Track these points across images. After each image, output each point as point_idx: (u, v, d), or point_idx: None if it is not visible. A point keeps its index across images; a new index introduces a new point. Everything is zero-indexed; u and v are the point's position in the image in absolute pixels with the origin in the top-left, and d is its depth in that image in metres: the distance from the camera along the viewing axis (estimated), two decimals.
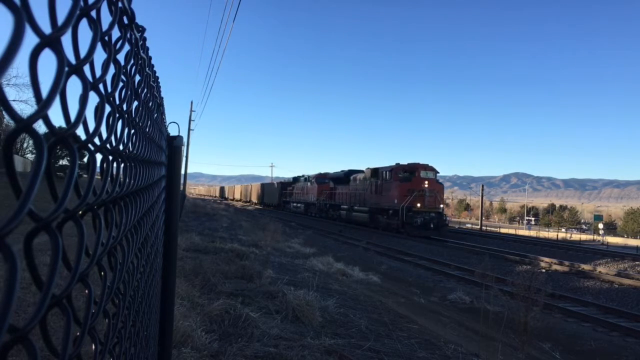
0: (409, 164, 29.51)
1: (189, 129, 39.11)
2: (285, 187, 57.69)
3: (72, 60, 0.64)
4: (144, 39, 1.51)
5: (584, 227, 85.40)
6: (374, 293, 10.14)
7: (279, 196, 58.49)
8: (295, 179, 53.90)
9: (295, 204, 51.28)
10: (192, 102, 40.73)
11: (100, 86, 0.82)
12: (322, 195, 42.07)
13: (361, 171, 36.77)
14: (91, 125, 0.76)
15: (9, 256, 0.43)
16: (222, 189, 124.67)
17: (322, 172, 45.32)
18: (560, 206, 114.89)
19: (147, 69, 1.62)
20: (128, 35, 1.06)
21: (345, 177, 39.18)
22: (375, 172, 32.23)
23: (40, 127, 0.69)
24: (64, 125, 0.65)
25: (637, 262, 18.15)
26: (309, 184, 46.66)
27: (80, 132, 0.68)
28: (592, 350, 7.94)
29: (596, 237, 49.28)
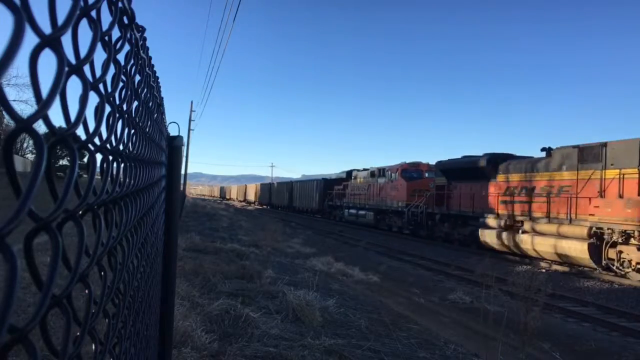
0: None
1: (189, 129, 39.10)
2: (331, 185, 40.34)
3: (72, 60, 0.64)
4: (144, 39, 1.51)
5: None
6: (374, 293, 10.15)
7: (319, 198, 41.84)
8: (350, 174, 36.74)
9: (352, 211, 33.78)
10: (192, 102, 40.70)
11: (100, 86, 0.82)
12: (417, 197, 25.60)
13: (511, 155, 20.07)
14: (91, 125, 0.76)
15: (9, 256, 0.43)
16: (222, 189, 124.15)
17: (410, 161, 29.43)
18: None
19: (147, 69, 1.62)
20: (128, 35, 1.06)
21: (489, 165, 19.73)
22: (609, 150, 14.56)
23: (40, 127, 0.69)
24: (64, 125, 0.65)
25: None
26: (383, 180, 30.00)
27: (80, 132, 0.68)
28: (592, 350, 7.94)
29: None
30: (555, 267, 16.31)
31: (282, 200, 54.51)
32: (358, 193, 33.47)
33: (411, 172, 28.47)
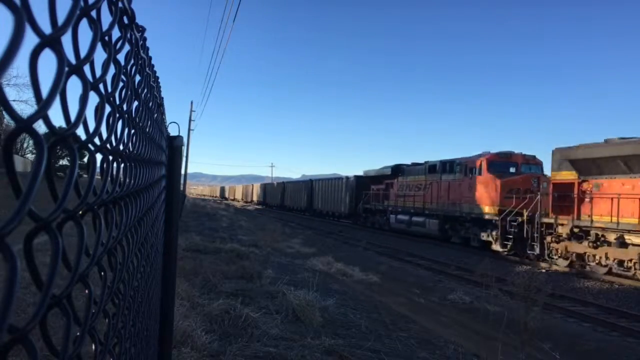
0: None
1: (189, 129, 39.11)
2: (366, 184, 32.32)
3: (72, 60, 0.64)
4: (144, 39, 1.51)
5: None
6: (374, 293, 10.15)
7: (350, 200, 34.01)
8: (397, 170, 28.85)
9: (402, 217, 26.46)
10: (192, 102, 40.69)
11: (100, 86, 0.82)
12: (515, 200, 18.03)
13: None
14: (91, 125, 0.76)
15: (9, 256, 0.43)
16: (222, 189, 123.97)
17: (496, 150, 20.86)
18: None
19: (147, 69, 1.62)
20: (128, 35, 1.06)
21: None
22: None
23: (40, 127, 0.69)
24: (64, 125, 0.65)
25: None
26: (452, 176, 22.48)
27: (80, 132, 0.68)
28: (592, 350, 7.94)
29: None
30: (555, 267, 16.30)
31: (298, 201, 47.02)
32: (411, 194, 26.01)
33: (502, 164, 20.31)
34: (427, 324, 7.66)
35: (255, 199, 72.58)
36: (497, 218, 18.60)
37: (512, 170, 20.35)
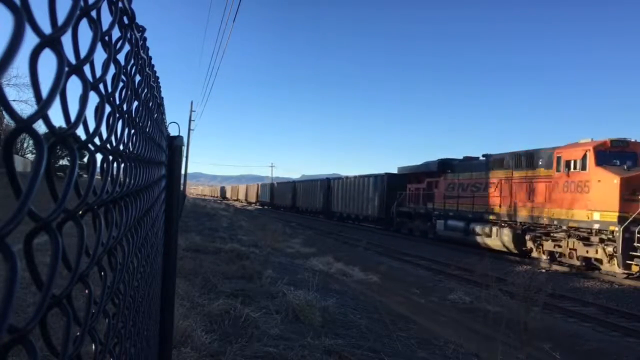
0: None
1: (189, 129, 39.08)
2: (401, 182, 27.24)
3: (72, 60, 0.64)
4: (144, 39, 1.51)
5: None
6: (374, 293, 10.15)
7: (381, 201, 28.92)
8: (446, 165, 23.63)
9: (454, 223, 21.47)
10: (192, 102, 40.65)
11: (100, 86, 0.82)
12: None
13: None
14: (91, 125, 0.76)
15: (9, 256, 0.43)
16: (222, 189, 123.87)
17: (601, 138, 15.38)
18: None
19: (147, 69, 1.62)
20: (128, 35, 1.06)
21: None
22: None
23: (40, 127, 0.69)
24: (64, 125, 0.65)
25: None
26: (531, 172, 17.53)
27: (80, 132, 0.68)
28: (592, 350, 7.94)
29: None
30: (555, 267, 16.29)
31: (312, 203, 42.51)
32: (466, 195, 20.86)
33: (615, 155, 15.01)
34: (427, 324, 7.67)
35: (260, 199, 67.45)
36: (616, 228, 13.61)
37: (620, 163, 14.90)
